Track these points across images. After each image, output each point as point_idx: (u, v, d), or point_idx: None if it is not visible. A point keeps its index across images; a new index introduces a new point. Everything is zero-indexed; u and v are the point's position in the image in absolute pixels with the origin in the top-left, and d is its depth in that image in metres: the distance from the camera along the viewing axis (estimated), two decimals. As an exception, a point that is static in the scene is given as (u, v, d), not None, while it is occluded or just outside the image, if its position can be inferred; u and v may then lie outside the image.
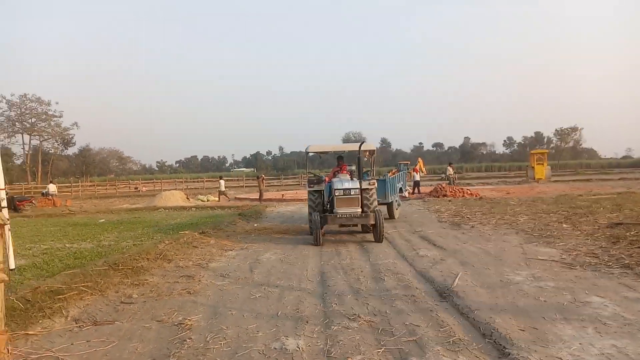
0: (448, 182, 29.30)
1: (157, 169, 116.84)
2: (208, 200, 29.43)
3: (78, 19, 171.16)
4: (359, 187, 10.37)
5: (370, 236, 10.86)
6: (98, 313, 5.54)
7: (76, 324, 5.16)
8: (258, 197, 27.14)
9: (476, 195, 23.30)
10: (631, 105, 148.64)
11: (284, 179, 61.92)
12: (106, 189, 53.51)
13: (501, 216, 14.10)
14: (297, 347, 4.29)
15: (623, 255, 7.59)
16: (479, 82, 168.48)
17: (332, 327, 4.80)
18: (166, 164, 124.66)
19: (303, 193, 32.11)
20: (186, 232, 12.16)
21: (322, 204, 11.28)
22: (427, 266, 7.61)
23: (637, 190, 22.80)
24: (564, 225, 11.54)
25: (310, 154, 12.89)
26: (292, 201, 25.86)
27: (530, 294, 5.78)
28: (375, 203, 10.95)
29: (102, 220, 17.01)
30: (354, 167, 11.08)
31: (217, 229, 12.68)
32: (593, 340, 4.17)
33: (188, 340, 4.54)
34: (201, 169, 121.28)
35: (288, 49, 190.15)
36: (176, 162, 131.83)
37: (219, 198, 29.19)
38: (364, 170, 11.80)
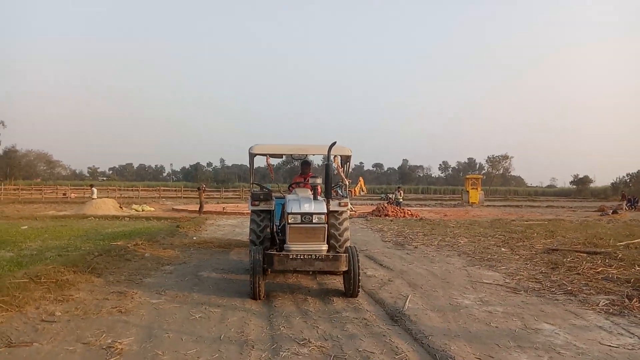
0: (397, 204, 29.48)
1: (88, 175, 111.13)
2: (143, 210, 28.09)
3: (6, 17, 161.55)
4: (325, 210, 6.80)
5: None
6: (14, 332, 4.85)
7: (-15, 346, 4.47)
8: (197, 209, 26.18)
9: (416, 216, 23.70)
10: (555, 136, 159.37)
11: (225, 191, 60.61)
12: (31, 193, 49.96)
13: (442, 238, 14.27)
14: (243, 376, 3.90)
15: (564, 282, 7.74)
16: (418, 106, 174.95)
17: (281, 352, 4.44)
18: (98, 170, 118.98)
19: (244, 206, 31.44)
20: (118, 242, 11.36)
21: (271, 233, 7.91)
22: (376, 287, 7.40)
23: (565, 218, 24.08)
24: (503, 249, 11.80)
25: (257, 157, 8.90)
26: (233, 214, 25.16)
27: (481, 319, 5.69)
28: (348, 235, 7.60)
29: (24, 227, 15.64)
30: (318, 180, 7.44)
31: (153, 241, 11.91)
32: (550, 371, 4.07)
33: (118, 367, 4.02)
34: (136, 177, 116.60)
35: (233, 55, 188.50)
36: (109, 169, 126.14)
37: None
38: (333, 184, 8.13)
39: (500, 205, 42.99)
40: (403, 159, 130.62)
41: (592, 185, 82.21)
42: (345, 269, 6.46)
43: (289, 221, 6.69)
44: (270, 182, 10.75)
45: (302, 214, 6.66)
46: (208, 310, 5.88)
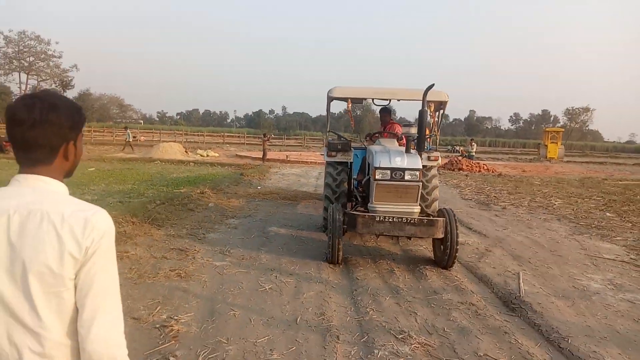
0: (470, 157, 27.45)
1: (157, 119, 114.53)
2: (208, 156, 27.92)
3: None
4: (420, 166, 5.65)
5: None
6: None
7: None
8: (261, 157, 25.62)
9: (493, 171, 21.88)
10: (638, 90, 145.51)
11: (287, 138, 60.12)
12: (103, 135, 51.67)
13: (531, 197, 12.70)
14: (331, 386, 2.93)
15: None
16: (487, 54, 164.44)
17: (375, 350, 3.44)
18: (167, 114, 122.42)
19: (308, 155, 30.64)
20: (182, 190, 10.78)
21: (349, 189, 7.02)
22: (473, 258, 6.23)
23: (665, 179, 21.40)
24: (608, 214, 10.19)
25: (335, 101, 7.59)
26: (296, 163, 24.38)
27: (625, 312, 4.42)
28: (437, 195, 6.93)
29: (91, 169, 15.56)
30: (413, 129, 6.53)
31: (217, 190, 11.24)
32: None
33: (171, 359, 3.17)
34: (202, 122, 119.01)
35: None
36: (177, 114, 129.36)
37: (124, 148, 28.96)
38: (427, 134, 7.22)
39: (582, 162, 39.55)
40: (470, 110, 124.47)
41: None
42: (441, 235, 5.41)
43: (376, 177, 5.60)
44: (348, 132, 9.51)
45: (393, 169, 5.55)
46: (279, 280, 4.97)
